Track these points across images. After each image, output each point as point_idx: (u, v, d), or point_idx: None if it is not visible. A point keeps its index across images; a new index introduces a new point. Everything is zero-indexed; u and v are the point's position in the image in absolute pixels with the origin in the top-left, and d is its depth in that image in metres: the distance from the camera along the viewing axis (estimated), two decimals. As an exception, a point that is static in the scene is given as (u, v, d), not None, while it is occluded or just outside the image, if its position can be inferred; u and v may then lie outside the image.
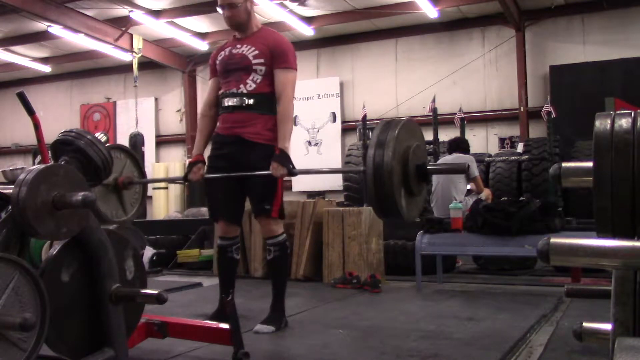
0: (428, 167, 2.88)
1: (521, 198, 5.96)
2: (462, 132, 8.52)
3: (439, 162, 6.68)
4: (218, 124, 3.63)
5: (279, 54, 3.41)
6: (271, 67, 3.41)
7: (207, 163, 3.58)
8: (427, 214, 7.57)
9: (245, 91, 3.42)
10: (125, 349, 2.37)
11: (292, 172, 3.24)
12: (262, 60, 3.42)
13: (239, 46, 3.51)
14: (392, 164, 2.73)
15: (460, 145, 6.61)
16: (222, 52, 3.59)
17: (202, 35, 13.22)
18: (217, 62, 3.61)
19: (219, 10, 3.52)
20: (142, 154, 11.67)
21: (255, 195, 3.48)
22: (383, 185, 2.71)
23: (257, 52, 3.43)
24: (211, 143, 3.67)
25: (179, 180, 3.83)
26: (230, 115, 3.48)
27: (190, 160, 3.64)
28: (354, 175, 9.88)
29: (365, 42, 13.13)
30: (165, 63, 14.09)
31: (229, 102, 3.48)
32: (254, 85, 3.42)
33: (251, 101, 3.42)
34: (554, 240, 1.24)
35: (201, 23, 12.66)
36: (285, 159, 3.23)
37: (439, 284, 5.15)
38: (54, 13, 10.91)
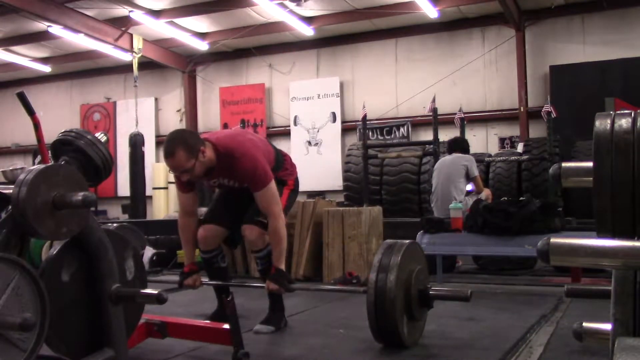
0: (430, 292, 2.93)
1: (521, 198, 5.96)
2: (462, 132, 8.50)
3: (438, 162, 6.67)
4: None
5: (249, 181, 3.31)
6: None
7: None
8: (427, 214, 7.57)
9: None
10: (125, 349, 2.37)
11: (288, 288, 3.33)
12: (244, 185, 3.39)
13: (214, 181, 3.44)
14: (395, 291, 2.75)
15: (459, 145, 6.60)
16: (198, 183, 3.51)
17: (202, 35, 13.22)
18: (198, 184, 3.52)
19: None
20: (142, 154, 11.66)
21: (256, 205, 3.43)
22: (385, 311, 2.73)
23: (237, 183, 3.41)
24: None
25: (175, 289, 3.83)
26: None
27: (184, 269, 3.56)
28: (354, 175, 9.87)
29: (365, 42, 13.12)
30: (165, 63, 14.09)
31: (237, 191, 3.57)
32: None
33: None
34: (554, 240, 1.24)
35: (201, 23, 12.66)
36: (280, 278, 3.28)
37: (439, 284, 5.14)
38: (54, 13, 10.90)
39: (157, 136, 15.03)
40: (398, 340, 2.84)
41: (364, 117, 8.90)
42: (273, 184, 3.31)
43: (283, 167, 3.62)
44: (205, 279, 3.64)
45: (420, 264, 3.04)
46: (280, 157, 3.63)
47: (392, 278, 2.79)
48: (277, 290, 3.31)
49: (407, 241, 3.04)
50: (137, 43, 12.44)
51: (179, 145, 3.10)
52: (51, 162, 2.50)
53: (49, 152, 2.53)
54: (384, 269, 2.84)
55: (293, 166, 3.77)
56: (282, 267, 3.31)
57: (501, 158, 9.41)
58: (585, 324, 1.53)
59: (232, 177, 3.37)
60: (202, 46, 13.37)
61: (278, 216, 3.29)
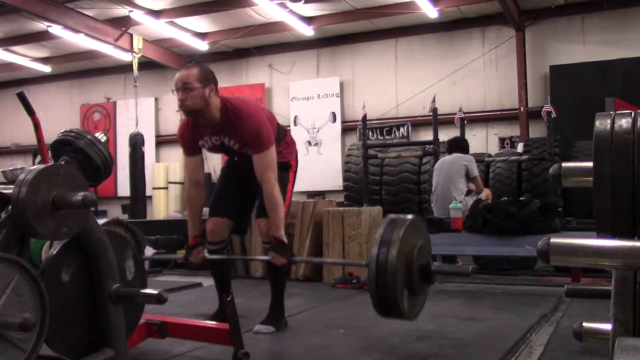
0: (432, 269, 2.91)
1: (521, 198, 5.97)
2: (462, 132, 8.50)
3: (438, 162, 6.67)
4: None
5: (253, 141, 3.30)
6: None
7: (222, 172, 3.78)
8: (427, 214, 7.58)
9: (248, 153, 3.40)
10: (125, 349, 2.36)
11: (292, 260, 3.32)
12: (245, 149, 3.39)
13: (215, 138, 3.40)
14: (396, 265, 2.75)
15: (459, 145, 6.60)
16: (201, 141, 3.44)
17: (202, 35, 13.21)
18: (201, 145, 3.47)
19: (174, 92, 3.30)
20: (142, 154, 11.65)
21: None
22: (386, 285, 2.73)
23: (237, 144, 3.38)
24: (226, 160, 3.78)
25: (180, 260, 3.81)
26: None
27: (189, 242, 3.55)
28: (354, 175, 9.87)
29: (365, 42, 13.12)
30: (165, 63, 14.09)
31: (236, 157, 3.58)
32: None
33: None
34: (554, 240, 1.24)
35: (201, 23, 12.65)
36: (283, 249, 3.27)
37: (439, 284, 5.14)
38: (54, 13, 10.90)
39: (157, 136, 15.03)
40: (399, 313, 2.81)
41: (364, 117, 8.89)
42: (273, 150, 3.33)
43: (284, 141, 3.63)
44: (211, 278, 3.64)
45: (422, 239, 3.01)
46: (282, 132, 3.64)
47: (394, 252, 2.77)
48: (282, 262, 3.25)
49: (410, 216, 3.02)
50: (137, 43, 12.43)
51: (199, 66, 3.31)
52: (51, 162, 2.50)
53: (49, 152, 2.53)
54: (385, 242, 2.82)
55: (293, 142, 3.77)
56: (282, 236, 3.29)
57: (501, 158, 9.40)
58: (585, 324, 1.53)
59: (234, 136, 3.35)
60: (202, 46, 13.36)
61: (273, 182, 3.28)
